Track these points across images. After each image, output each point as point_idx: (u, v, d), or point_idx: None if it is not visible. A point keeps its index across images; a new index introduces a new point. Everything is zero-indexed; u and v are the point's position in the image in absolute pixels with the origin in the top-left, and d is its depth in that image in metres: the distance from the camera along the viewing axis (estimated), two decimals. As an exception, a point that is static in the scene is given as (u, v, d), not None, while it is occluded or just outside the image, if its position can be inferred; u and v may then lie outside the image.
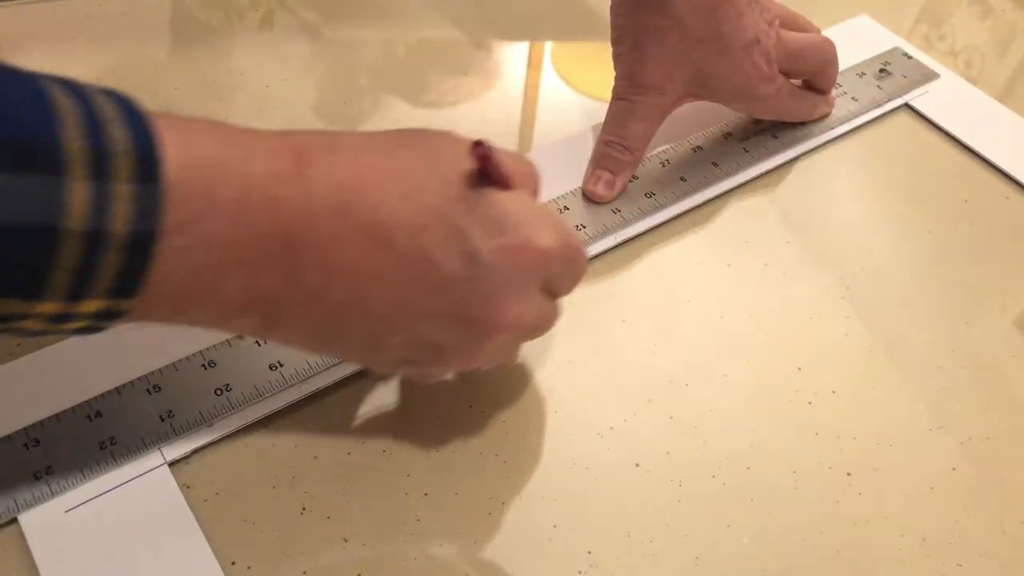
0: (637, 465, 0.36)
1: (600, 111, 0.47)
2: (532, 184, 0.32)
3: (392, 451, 0.35)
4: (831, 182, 0.49)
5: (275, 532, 0.32)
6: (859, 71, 0.54)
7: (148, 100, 0.48)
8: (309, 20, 0.55)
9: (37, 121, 0.22)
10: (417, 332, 0.29)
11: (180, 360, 0.35)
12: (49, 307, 0.24)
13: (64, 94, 0.23)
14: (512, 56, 0.55)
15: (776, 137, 0.49)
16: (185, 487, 0.33)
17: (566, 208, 0.44)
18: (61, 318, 0.24)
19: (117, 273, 0.24)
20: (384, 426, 0.36)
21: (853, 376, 0.40)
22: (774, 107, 0.48)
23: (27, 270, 0.22)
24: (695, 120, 0.49)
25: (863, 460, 0.37)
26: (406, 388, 0.37)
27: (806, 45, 0.47)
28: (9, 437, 0.33)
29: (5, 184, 0.21)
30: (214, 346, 0.36)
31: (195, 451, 0.34)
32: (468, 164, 0.29)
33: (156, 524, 0.32)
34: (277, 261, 0.27)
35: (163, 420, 0.34)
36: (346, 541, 0.33)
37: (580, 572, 0.33)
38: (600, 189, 0.44)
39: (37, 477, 0.32)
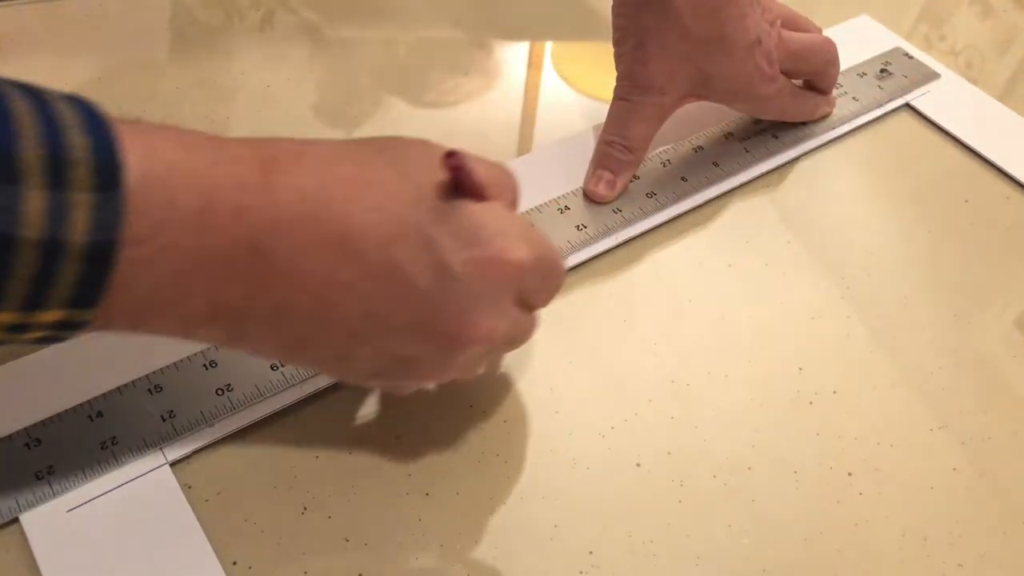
0: (638, 465, 0.36)
1: (600, 111, 0.47)
2: (510, 194, 0.32)
3: (393, 451, 0.35)
4: (832, 182, 0.49)
5: (276, 532, 0.32)
6: (860, 71, 0.54)
7: (149, 100, 0.49)
8: (310, 20, 0.55)
9: None
10: (386, 345, 0.29)
11: (181, 360, 0.35)
12: (6, 317, 0.23)
13: (22, 99, 0.23)
14: (512, 56, 0.55)
15: (777, 137, 0.49)
16: (186, 487, 0.33)
17: (567, 208, 0.44)
18: (19, 328, 0.24)
19: (76, 283, 0.23)
20: (385, 426, 0.36)
21: (854, 376, 0.40)
22: (775, 107, 0.48)
23: None
24: (696, 120, 0.49)
25: (864, 460, 0.37)
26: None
27: (807, 45, 0.47)
28: (10, 437, 0.33)
29: None
30: (215, 346, 0.36)
31: (196, 451, 0.34)
32: (441, 174, 0.28)
33: (157, 524, 0.32)
34: (242, 271, 0.26)
35: (164, 420, 0.34)
36: (347, 541, 0.33)
37: (581, 572, 0.33)
38: (601, 189, 0.44)
39: (39, 477, 0.32)
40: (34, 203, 0.22)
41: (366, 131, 0.48)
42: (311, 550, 0.32)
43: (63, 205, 0.22)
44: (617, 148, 0.44)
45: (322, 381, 0.36)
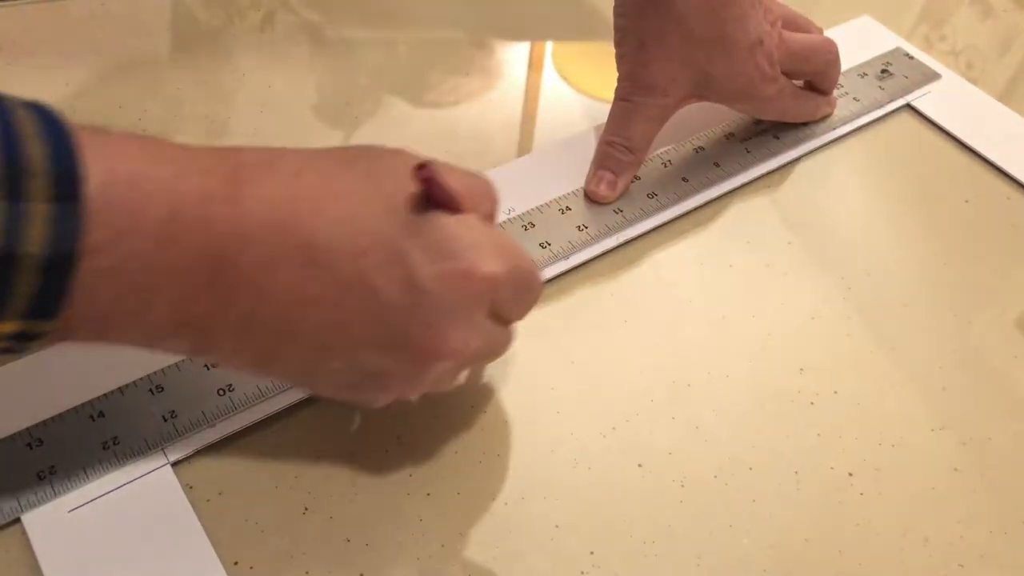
0: (639, 465, 0.36)
1: (601, 111, 0.47)
2: (488, 205, 0.32)
3: (394, 451, 0.35)
4: (833, 182, 0.49)
5: (278, 532, 0.33)
6: (861, 71, 0.54)
7: (149, 100, 0.49)
8: (310, 20, 0.55)
9: None
10: (356, 358, 0.28)
11: (183, 360, 0.35)
12: None
13: None
14: (513, 56, 0.55)
15: (778, 138, 0.49)
16: (188, 487, 0.33)
17: (568, 208, 0.44)
18: None
19: (32, 295, 0.23)
20: (386, 426, 0.36)
21: (855, 377, 0.40)
22: (776, 108, 0.48)
23: None
24: (697, 121, 0.49)
25: (865, 461, 0.37)
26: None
27: (808, 46, 0.47)
28: (12, 437, 0.33)
29: None
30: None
31: (198, 451, 0.34)
32: (414, 186, 0.28)
33: (159, 524, 0.32)
34: (208, 283, 0.26)
35: (166, 420, 0.34)
36: (348, 541, 0.33)
37: (582, 572, 0.33)
38: (602, 189, 0.44)
39: (40, 477, 0.32)
40: None
41: (366, 131, 0.48)
42: (312, 550, 0.32)
43: (18, 216, 0.22)
44: (618, 149, 0.44)
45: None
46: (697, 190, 0.46)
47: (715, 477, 0.36)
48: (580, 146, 0.47)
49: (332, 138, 0.48)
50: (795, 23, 0.48)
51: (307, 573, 0.32)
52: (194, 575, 0.31)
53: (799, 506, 0.35)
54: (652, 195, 0.45)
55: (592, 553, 0.33)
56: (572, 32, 0.58)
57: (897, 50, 0.56)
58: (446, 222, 0.28)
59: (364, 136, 0.48)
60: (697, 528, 0.34)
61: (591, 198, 0.44)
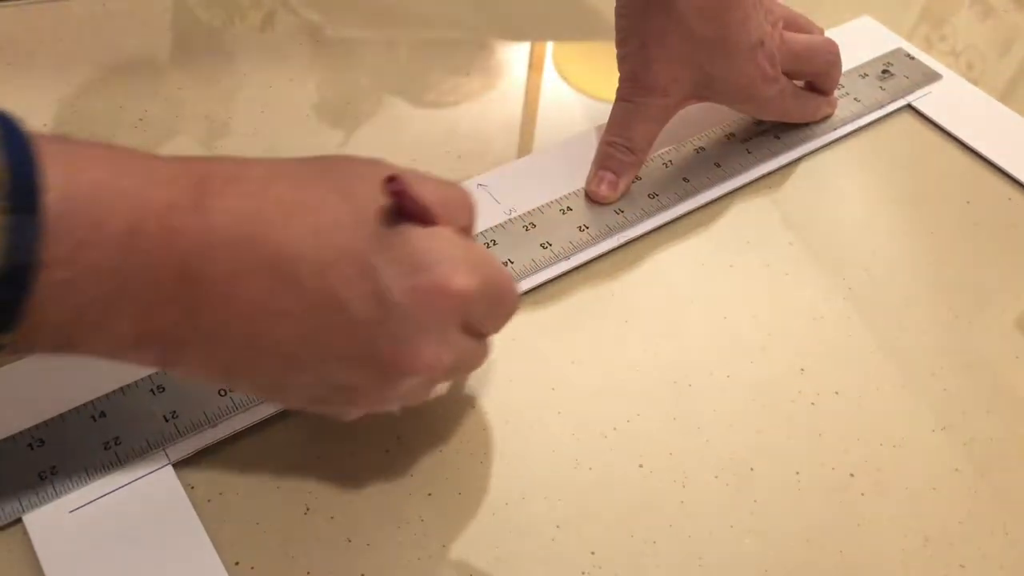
0: (640, 466, 0.36)
1: (601, 111, 0.47)
2: (464, 216, 0.31)
3: (395, 451, 0.35)
4: (834, 183, 0.49)
5: (279, 532, 0.33)
6: (861, 72, 0.54)
7: (151, 101, 0.49)
8: (311, 20, 0.55)
9: None
10: (324, 372, 0.28)
11: (184, 360, 0.35)
12: None
13: None
14: (513, 56, 0.55)
15: (779, 138, 0.49)
16: (189, 487, 0.33)
17: (569, 209, 0.44)
18: None
19: None
20: (387, 427, 0.36)
21: (856, 377, 0.40)
22: (777, 108, 0.48)
23: None
24: (698, 121, 0.49)
25: (866, 461, 0.37)
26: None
27: (810, 46, 0.47)
28: (14, 437, 0.33)
29: None
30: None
31: (199, 452, 0.34)
32: (385, 198, 0.28)
33: (160, 524, 0.32)
34: (173, 296, 0.25)
35: (167, 420, 0.34)
36: (349, 541, 0.33)
37: (583, 572, 0.33)
38: (603, 190, 0.44)
39: (42, 477, 0.32)
40: None
41: (367, 131, 0.48)
42: (313, 550, 0.32)
43: None
44: (619, 149, 0.44)
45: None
46: (698, 190, 0.46)
47: (716, 477, 0.36)
48: (581, 146, 0.47)
49: (333, 138, 0.48)
50: (796, 24, 0.48)
51: (308, 573, 0.32)
52: (195, 575, 0.31)
53: (800, 506, 0.35)
54: (653, 195, 0.45)
55: (593, 553, 0.33)
56: (572, 32, 0.58)
57: (898, 50, 0.56)
58: (417, 235, 0.28)
59: (365, 136, 0.48)
60: (698, 528, 0.34)
61: (592, 198, 0.44)
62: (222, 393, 0.35)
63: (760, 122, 0.50)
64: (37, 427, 0.33)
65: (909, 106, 0.53)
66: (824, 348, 0.41)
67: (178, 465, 0.33)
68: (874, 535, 0.35)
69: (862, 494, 0.36)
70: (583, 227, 0.43)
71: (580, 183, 0.45)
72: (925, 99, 0.54)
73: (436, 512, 0.34)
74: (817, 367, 0.40)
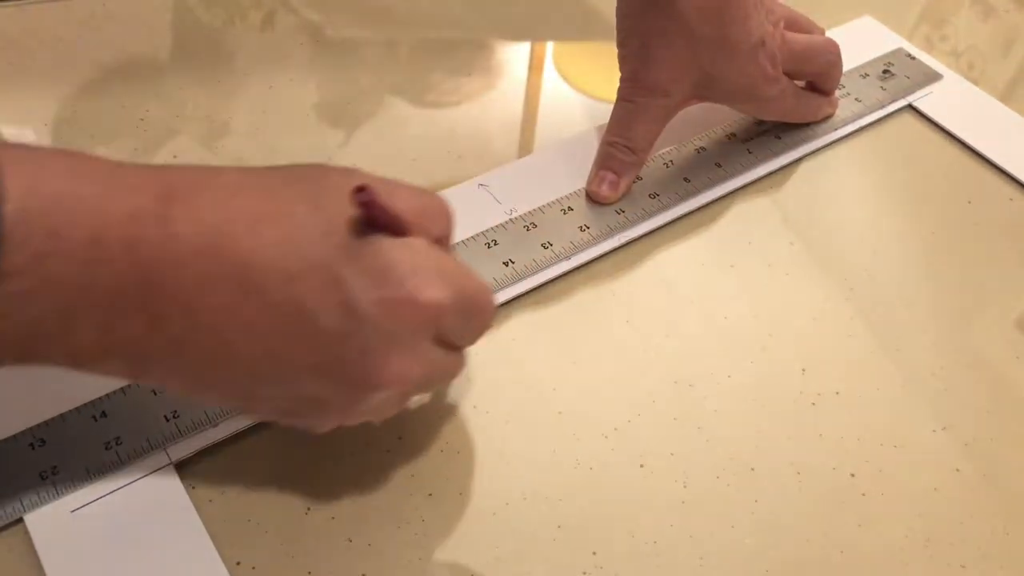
0: (641, 466, 0.36)
1: (602, 111, 0.47)
2: (440, 226, 0.30)
3: (396, 452, 0.35)
4: (835, 183, 0.49)
5: (280, 532, 0.33)
6: (862, 72, 0.54)
7: (151, 101, 0.49)
8: (311, 20, 0.55)
9: None
10: (292, 385, 0.28)
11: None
12: None
13: None
14: (514, 56, 0.55)
15: (780, 138, 0.49)
16: (190, 487, 0.33)
17: (570, 209, 0.44)
18: None
19: None
20: (389, 427, 0.36)
21: (857, 377, 0.40)
22: (778, 108, 0.48)
23: None
24: (699, 121, 0.49)
25: (867, 461, 0.37)
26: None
27: (810, 46, 0.47)
28: (15, 437, 0.33)
29: None
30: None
31: (200, 451, 0.34)
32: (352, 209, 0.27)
33: (161, 524, 0.32)
34: (136, 307, 0.25)
35: (168, 420, 0.34)
36: (350, 541, 0.33)
37: (585, 572, 0.33)
38: (604, 190, 0.44)
39: (43, 477, 0.32)
40: None
41: (367, 131, 0.48)
42: (314, 551, 0.32)
43: None
44: (620, 149, 0.44)
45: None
46: (699, 190, 0.46)
47: (717, 478, 0.36)
48: (581, 146, 0.47)
49: (333, 138, 0.48)
50: (797, 23, 0.48)
51: (309, 573, 0.32)
52: (196, 575, 0.31)
53: (801, 506, 0.35)
54: (654, 195, 0.45)
55: (594, 554, 0.33)
56: (573, 32, 0.58)
57: (899, 50, 0.56)
58: (388, 246, 0.27)
59: (365, 136, 0.48)
60: (699, 528, 0.34)
61: (593, 198, 0.44)
62: (223, 393, 0.35)
63: (761, 122, 0.50)
64: (38, 427, 0.33)
65: (910, 106, 0.53)
66: (825, 348, 0.41)
67: (179, 465, 0.33)
68: (875, 535, 0.35)
69: (863, 494, 0.36)
70: (584, 227, 0.43)
71: (581, 183, 0.45)
72: (926, 99, 0.54)
73: (437, 512, 0.34)
74: (818, 367, 0.40)
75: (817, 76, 0.49)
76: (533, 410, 0.37)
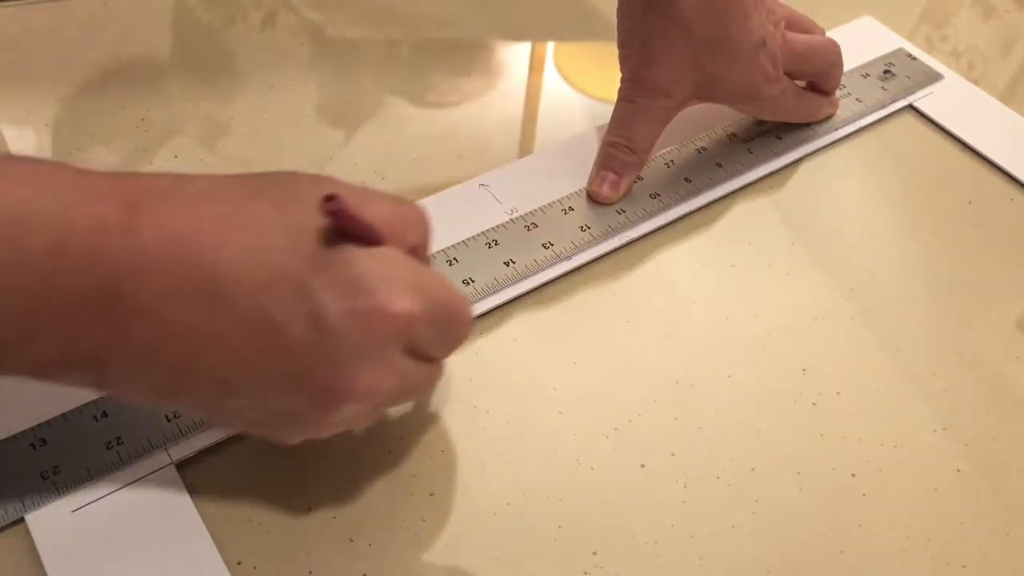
0: (642, 466, 0.36)
1: (602, 111, 0.47)
2: (415, 235, 0.30)
3: (397, 451, 0.35)
4: (835, 183, 0.49)
5: (281, 532, 0.33)
6: (863, 72, 0.54)
7: (152, 101, 0.49)
8: (311, 20, 0.55)
9: None
10: (259, 397, 0.27)
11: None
12: None
13: None
14: (514, 56, 0.55)
15: (780, 138, 0.49)
16: (191, 487, 0.33)
17: (571, 209, 0.44)
18: None
19: None
20: (389, 427, 0.36)
21: (858, 377, 0.40)
22: (779, 108, 0.48)
23: None
24: (699, 121, 0.49)
25: (867, 461, 0.37)
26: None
27: (811, 47, 0.47)
28: (16, 437, 0.33)
29: None
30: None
31: (201, 451, 0.34)
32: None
33: (162, 524, 0.32)
34: (99, 317, 0.25)
35: (169, 420, 0.34)
36: (351, 541, 0.33)
37: (585, 572, 0.33)
38: (605, 190, 0.44)
39: (44, 477, 0.32)
40: None
41: (367, 131, 0.48)
42: (315, 551, 0.32)
43: None
44: (621, 149, 0.44)
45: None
46: (700, 191, 0.46)
47: (718, 478, 0.36)
48: (582, 146, 0.47)
49: (333, 138, 0.48)
50: (798, 24, 0.48)
51: (310, 573, 0.32)
52: (197, 574, 0.31)
53: (801, 507, 0.35)
54: (655, 196, 0.45)
55: (595, 553, 0.33)
56: (573, 32, 0.58)
57: (899, 51, 0.56)
58: (357, 256, 0.27)
59: (365, 136, 0.48)
60: (700, 528, 0.34)
61: (594, 199, 0.44)
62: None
63: (762, 122, 0.50)
64: (39, 427, 0.33)
65: (910, 106, 0.53)
66: (826, 348, 0.41)
67: (180, 465, 0.34)
68: (875, 535, 0.35)
69: (863, 494, 0.36)
70: (585, 227, 0.43)
71: (582, 183, 0.45)
72: (926, 99, 0.54)
73: (438, 512, 0.34)
74: (819, 367, 0.40)
75: (818, 76, 0.49)
76: (534, 410, 0.37)
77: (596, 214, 0.44)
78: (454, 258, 0.41)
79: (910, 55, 0.56)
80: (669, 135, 0.46)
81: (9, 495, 0.31)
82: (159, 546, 0.31)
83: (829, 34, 0.50)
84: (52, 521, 0.31)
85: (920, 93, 0.54)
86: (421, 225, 0.30)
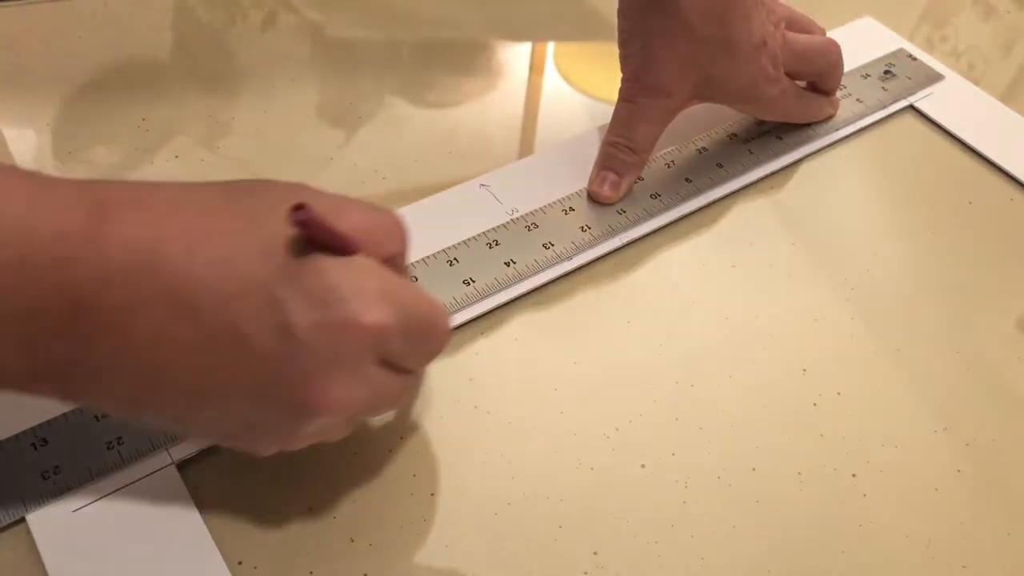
0: (643, 466, 0.36)
1: (603, 111, 0.47)
2: (391, 245, 0.29)
3: (398, 451, 0.35)
4: (836, 183, 0.49)
5: (281, 532, 0.33)
6: (863, 72, 0.54)
7: (152, 101, 0.49)
8: (312, 20, 0.55)
9: None
10: (229, 408, 0.27)
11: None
12: None
13: None
14: (515, 56, 0.55)
15: (781, 139, 0.49)
16: (192, 487, 0.33)
17: (571, 209, 0.44)
18: None
19: None
20: (390, 427, 0.36)
21: (858, 378, 0.40)
22: (779, 109, 0.48)
23: None
24: (700, 121, 0.49)
25: (868, 462, 0.37)
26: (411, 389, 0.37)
27: (812, 47, 0.47)
28: (17, 437, 0.33)
29: None
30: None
31: (202, 451, 0.34)
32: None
33: (163, 524, 0.32)
34: (63, 328, 0.24)
35: (170, 420, 0.34)
36: (352, 541, 0.33)
37: (585, 572, 0.33)
38: (605, 190, 0.44)
39: (45, 477, 0.32)
40: None
41: (368, 131, 0.48)
42: (316, 550, 0.32)
43: None
44: (622, 149, 0.44)
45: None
46: (700, 191, 0.46)
47: (718, 478, 0.36)
48: (583, 147, 0.47)
49: (334, 138, 0.48)
50: (798, 24, 0.48)
51: (311, 573, 0.32)
52: (198, 574, 0.31)
53: (802, 507, 0.35)
54: (655, 196, 0.45)
55: (595, 553, 0.33)
56: (574, 32, 0.58)
57: (900, 51, 0.56)
58: (328, 266, 0.26)
59: (366, 136, 0.48)
60: (700, 529, 0.34)
61: (594, 199, 0.44)
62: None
63: (762, 122, 0.50)
64: (40, 426, 0.33)
65: (911, 107, 0.53)
66: (826, 349, 0.41)
67: (181, 465, 0.34)
68: (876, 536, 0.35)
69: (864, 495, 0.36)
70: (585, 227, 0.43)
71: (582, 183, 0.45)
72: (927, 100, 0.54)
73: (438, 512, 0.34)
74: (819, 368, 0.40)
75: (818, 76, 0.49)
76: (534, 410, 0.37)
77: (597, 214, 0.44)
78: (455, 258, 0.41)
79: (910, 55, 0.56)
80: (670, 135, 0.46)
81: (10, 495, 0.31)
82: (160, 546, 0.31)
83: (829, 34, 0.50)
84: (53, 521, 0.31)
85: (920, 93, 0.54)
86: (398, 234, 0.30)
